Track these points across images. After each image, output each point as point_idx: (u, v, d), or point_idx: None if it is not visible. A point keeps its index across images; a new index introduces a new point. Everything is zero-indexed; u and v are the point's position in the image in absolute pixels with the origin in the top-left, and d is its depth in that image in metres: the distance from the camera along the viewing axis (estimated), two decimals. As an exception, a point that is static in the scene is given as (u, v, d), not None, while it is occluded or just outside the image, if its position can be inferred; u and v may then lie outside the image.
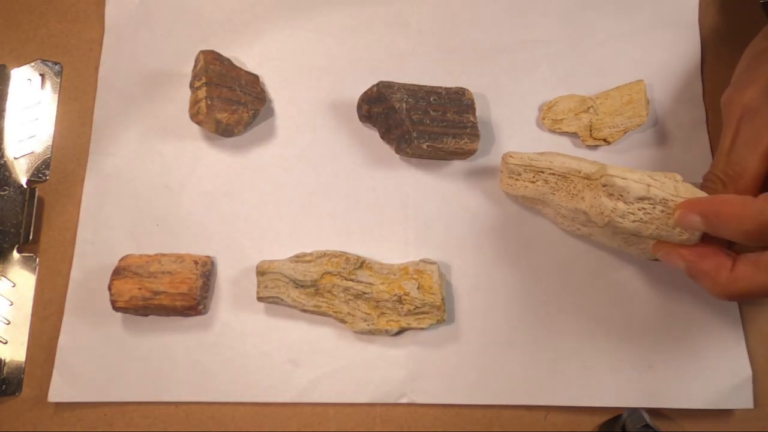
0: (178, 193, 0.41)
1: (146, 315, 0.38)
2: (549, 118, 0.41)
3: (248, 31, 0.44)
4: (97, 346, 0.38)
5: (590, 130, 0.41)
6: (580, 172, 0.35)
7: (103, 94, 0.43)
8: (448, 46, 0.43)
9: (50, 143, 0.42)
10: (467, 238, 0.40)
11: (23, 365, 0.38)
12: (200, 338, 0.38)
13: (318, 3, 0.44)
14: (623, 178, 0.32)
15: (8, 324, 0.39)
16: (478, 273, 0.39)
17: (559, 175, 0.36)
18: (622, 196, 0.32)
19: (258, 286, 0.38)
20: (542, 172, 0.36)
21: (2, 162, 0.41)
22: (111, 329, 0.38)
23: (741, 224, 0.30)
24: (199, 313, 0.38)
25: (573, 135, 0.41)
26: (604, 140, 0.41)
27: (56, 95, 0.43)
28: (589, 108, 0.41)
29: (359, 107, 0.40)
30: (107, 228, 0.40)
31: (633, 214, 0.32)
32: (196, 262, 0.38)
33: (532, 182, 0.37)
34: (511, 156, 0.37)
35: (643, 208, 0.32)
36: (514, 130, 0.42)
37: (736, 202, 0.30)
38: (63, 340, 0.38)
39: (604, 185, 0.33)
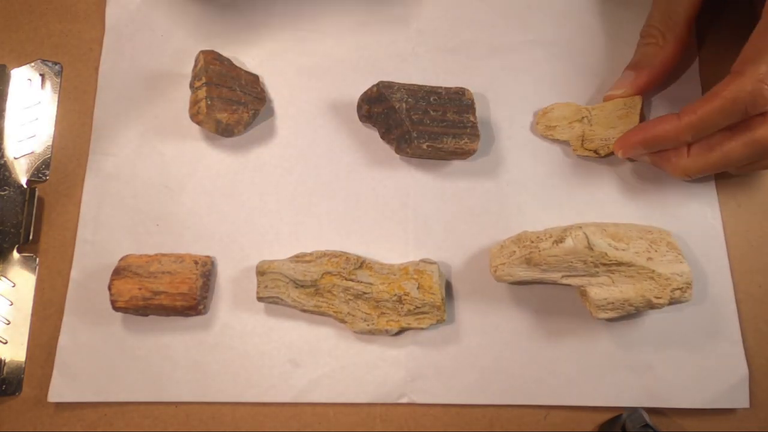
0: (178, 193, 0.41)
1: (146, 315, 0.38)
2: (543, 124, 0.41)
3: (248, 31, 0.44)
4: (97, 346, 0.38)
5: (582, 140, 0.41)
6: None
7: (103, 94, 0.43)
8: (448, 46, 0.43)
9: (50, 143, 0.42)
10: (467, 238, 0.40)
11: (23, 365, 0.38)
12: (200, 338, 0.38)
13: (318, 3, 0.44)
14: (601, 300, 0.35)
15: (8, 324, 0.39)
16: (478, 273, 0.39)
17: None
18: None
19: (258, 286, 0.38)
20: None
21: (2, 162, 0.41)
22: (111, 329, 0.39)
23: (679, 138, 0.35)
24: (199, 313, 0.38)
25: (564, 143, 0.41)
26: (595, 152, 0.40)
27: (56, 95, 0.43)
28: (583, 118, 0.41)
29: (359, 107, 0.40)
30: (107, 228, 0.40)
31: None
32: (196, 262, 0.38)
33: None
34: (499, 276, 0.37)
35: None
36: (515, 131, 0.42)
37: (666, 121, 0.36)
38: (63, 340, 0.38)
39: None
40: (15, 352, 0.39)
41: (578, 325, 0.38)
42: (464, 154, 0.40)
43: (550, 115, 0.41)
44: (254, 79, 0.42)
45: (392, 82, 0.40)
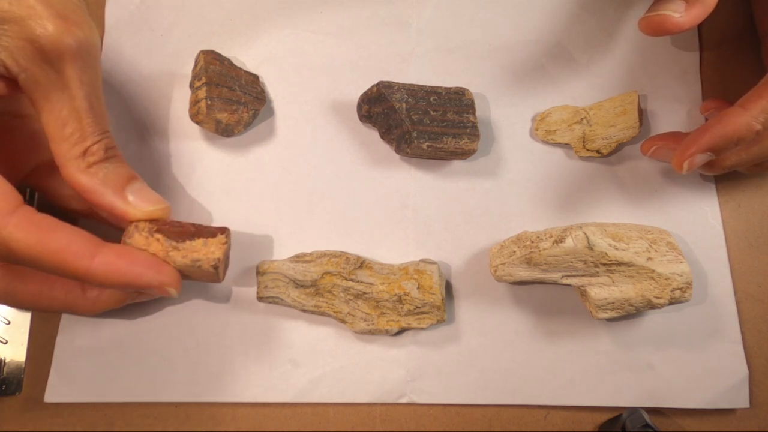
0: (178, 193, 0.41)
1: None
2: (542, 129, 0.41)
3: (248, 31, 0.44)
4: (96, 346, 0.38)
5: (583, 142, 0.41)
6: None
7: (104, 94, 0.43)
8: (448, 46, 0.43)
9: (50, 143, 0.42)
10: (467, 238, 0.40)
11: (23, 365, 0.38)
12: (200, 338, 0.38)
13: (318, 3, 0.44)
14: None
15: (8, 324, 0.39)
16: (478, 273, 0.39)
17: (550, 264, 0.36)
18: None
19: (258, 286, 0.38)
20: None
21: (2, 162, 0.41)
22: (110, 329, 0.38)
23: (751, 129, 0.33)
24: (217, 276, 0.34)
25: (566, 146, 0.41)
26: (597, 152, 0.40)
27: (56, 95, 0.43)
28: (582, 119, 0.41)
29: (359, 107, 0.40)
30: (107, 227, 0.40)
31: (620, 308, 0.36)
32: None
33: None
34: (500, 277, 0.37)
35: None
36: (515, 131, 0.42)
37: (733, 115, 0.33)
38: (61, 339, 0.38)
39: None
40: (15, 352, 0.39)
41: (578, 325, 0.38)
42: (464, 154, 0.40)
43: (548, 120, 0.41)
44: (254, 79, 0.42)
45: (392, 82, 0.40)
